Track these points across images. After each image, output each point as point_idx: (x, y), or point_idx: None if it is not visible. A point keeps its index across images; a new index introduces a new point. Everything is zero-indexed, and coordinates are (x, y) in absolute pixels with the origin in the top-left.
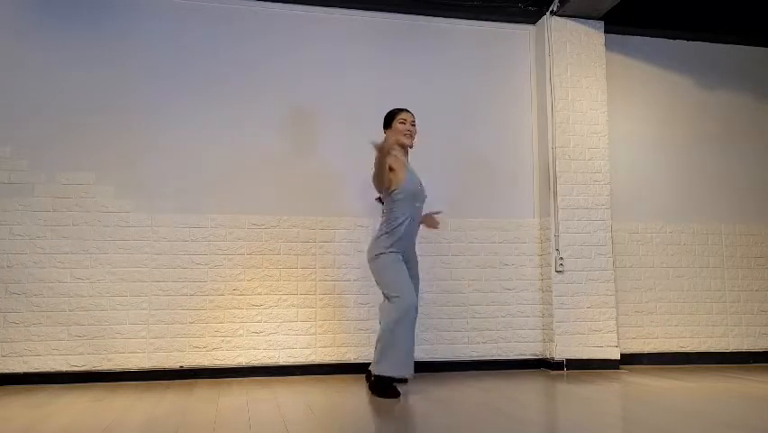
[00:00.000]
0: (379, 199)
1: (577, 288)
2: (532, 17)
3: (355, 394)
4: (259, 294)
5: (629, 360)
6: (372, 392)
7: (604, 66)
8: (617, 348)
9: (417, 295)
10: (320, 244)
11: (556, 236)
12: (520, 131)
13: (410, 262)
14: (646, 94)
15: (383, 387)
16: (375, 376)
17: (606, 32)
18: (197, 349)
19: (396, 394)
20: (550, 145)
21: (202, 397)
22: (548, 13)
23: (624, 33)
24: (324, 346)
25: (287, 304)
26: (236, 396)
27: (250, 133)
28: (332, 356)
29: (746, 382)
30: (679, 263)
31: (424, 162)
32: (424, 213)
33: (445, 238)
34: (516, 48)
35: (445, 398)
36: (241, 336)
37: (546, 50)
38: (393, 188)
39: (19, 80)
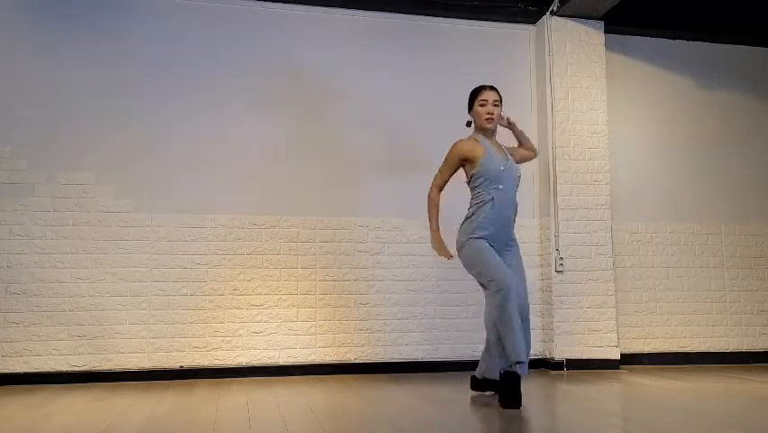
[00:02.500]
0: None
1: (577, 288)
2: (532, 17)
3: (355, 394)
4: (259, 294)
5: (629, 360)
6: (501, 400)
7: (604, 66)
8: (617, 348)
9: (523, 286)
10: (320, 244)
11: (556, 236)
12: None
13: (502, 252)
14: (646, 94)
15: (510, 385)
16: (502, 374)
17: (606, 32)
18: (197, 349)
19: (517, 403)
20: (550, 145)
21: (202, 397)
22: (548, 13)
23: (624, 33)
24: (324, 346)
25: (287, 304)
26: (236, 396)
27: (250, 133)
28: (332, 356)
29: (746, 382)
30: (679, 263)
31: (424, 162)
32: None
33: (445, 238)
34: (515, 48)
35: (445, 398)
36: (241, 336)
37: (546, 50)
38: (473, 171)
39: (19, 80)
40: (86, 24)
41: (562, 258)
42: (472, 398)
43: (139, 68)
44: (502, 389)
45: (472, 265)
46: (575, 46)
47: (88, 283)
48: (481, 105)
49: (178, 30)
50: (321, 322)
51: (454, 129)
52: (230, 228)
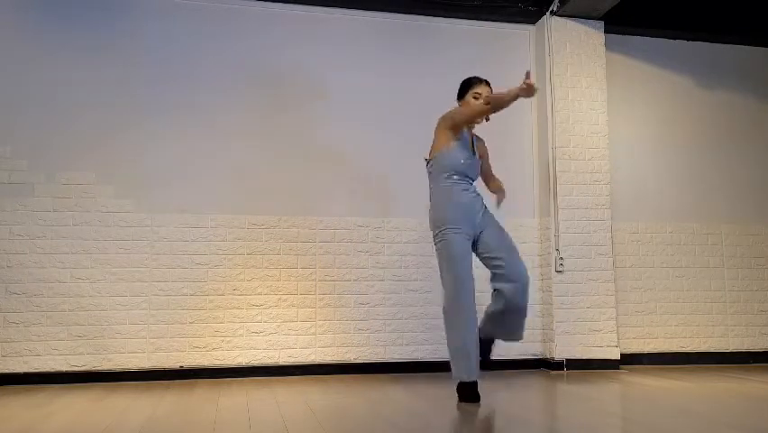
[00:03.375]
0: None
1: (577, 288)
2: (532, 17)
3: (355, 394)
4: (259, 294)
5: (629, 360)
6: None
7: (604, 66)
8: (617, 348)
9: (511, 251)
10: (320, 244)
11: (556, 236)
12: (520, 131)
13: (483, 228)
14: (646, 94)
15: (466, 387)
16: (458, 386)
17: (606, 32)
18: (197, 349)
19: (473, 399)
20: (550, 145)
21: (202, 397)
22: (548, 13)
23: (624, 33)
24: (324, 346)
25: (287, 304)
26: (236, 396)
27: (250, 133)
28: (332, 356)
29: (746, 382)
30: (679, 263)
31: (424, 162)
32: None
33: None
34: (516, 48)
35: (445, 398)
36: (241, 336)
37: (546, 50)
38: (428, 158)
39: (19, 80)
40: (87, 24)
41: (562, 258)
42: (433, 391)
43: (139, 67)
44: (459, 390)
45: (439, 262)
46: (575, 46)
47: (88, 283)
48: (474, 99)
49: (178, 30)
50: (321, 322)
51: None
52: (230, 228)
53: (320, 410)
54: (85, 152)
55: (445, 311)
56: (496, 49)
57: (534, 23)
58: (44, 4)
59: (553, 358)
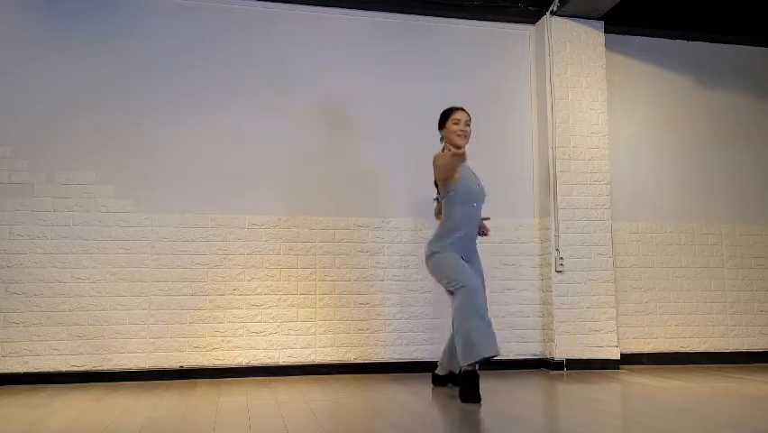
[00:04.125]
0: (437, 199)
1: (577, 288)
2: (532, 17)
3: (355, 394)
4: (259, 294)
5: (629, 360)
6: (461, 396)
7: (604, 66)
8: (617, 348)
9: (484, 292)
10: (320, 244)
11: (556, 236)
12: (520, 131)
13: (471, 263)
14: (646, 94)
15: (471, 383)
16: (461, 373)
17: (606, 32)
18: (197, 349)
19: (475, 399)
20: (550, 145)
21: (202, 397)
22: (548, 13)
23: (624, 33)
24: (324, 346)
25: (287, 304)
26: (236, 396)
27: (249, 134)
28: (332, 356)
29: (746, 382)
30: (679, 263)
31: (424, 162)
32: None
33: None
34: (516, 48)
35: (445, 398)
36: (241, 336)
37: (546, 50)
38: (447, 190)
39: (19, 80)
40: (87, 25)
41: (562, 258)
42: (433, 391)
43: (139, 68)
44: (463, 386)
45: (442, 272)
46: (575, 46)
47: (88, 283)
48: (455, 123)
49: (178, 30)
50: (321, 322)
51: None
52: (230, 228)
53: (320, 410)
54: (85, 152)
55: (462, 297)
56: (496, 49)
57: (534, 23)
58: (44, 4)
59: (553, 358)
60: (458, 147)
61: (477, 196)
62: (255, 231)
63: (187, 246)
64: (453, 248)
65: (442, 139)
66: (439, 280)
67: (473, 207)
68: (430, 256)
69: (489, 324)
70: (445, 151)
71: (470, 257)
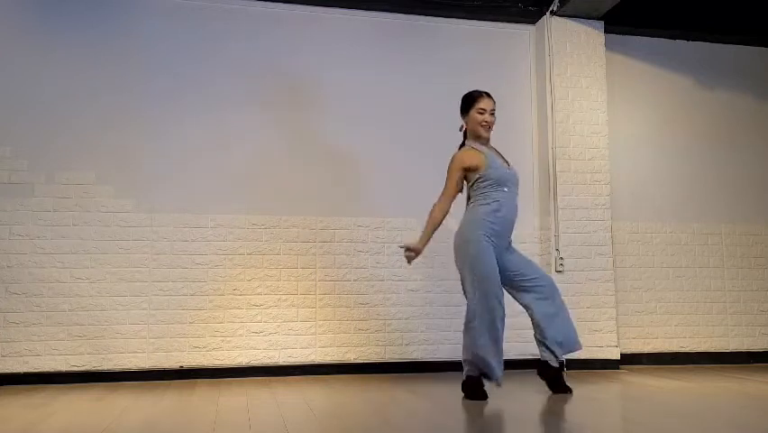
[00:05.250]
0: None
1: (577, 288)
2: (532, 17)
3: (355, 394)
4: (259, 294)
5: (629, 360)
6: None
7: (604, 66)
8: (617, 348)
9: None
10: (320, 244)
11: (556, 236)
12: (520, 131)
13: (503, 254)
14: (646, 94)
15: (474, 388)
16: (465, 380)
17: (606, 32)
18: (197, 349)
19: (482, 396)
20: (550, 145)
21: (202, 397)
22: (548, 14)
23: (624, 33)
24: (324, 346)
25: (287, 304)
26: (236, 396)
27: (250, 133)
28: (332, 356)
29: (746, 382)
30: (679, 263)
31: (424, 162)
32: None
33: (445, 239)
34: (516, 48)
35: (446, 398)
36: (241, 336)
37: (546, 50)
38: (477, 176)
39: (19, 80)
40: (87, 24)
41: (562, 258)
42: (433, 391)
43: (139, 67)
44: (466, 391)
45: (470, 267)
46: (575, 46)
47: (88, 283)
48: (480, 113)
49: (178, 30)
50: (321, 322)
51: (454, 129)
52: (230, 228)
53: (320, 410)
54: (85, 152)
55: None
56: (496, 49)
57: (534, 22)
58: (44, 4)
59: None
60: (481, 139)
61: (509, 179)
62: (255, 231)
63: (186, 246)
64: (490, 235)
65: (461, 128)
66: (460, 271)
67: (505, 192)
68: (462, 244)
69: (499, 342)
70: (467, 145)
71: (503, 249)
